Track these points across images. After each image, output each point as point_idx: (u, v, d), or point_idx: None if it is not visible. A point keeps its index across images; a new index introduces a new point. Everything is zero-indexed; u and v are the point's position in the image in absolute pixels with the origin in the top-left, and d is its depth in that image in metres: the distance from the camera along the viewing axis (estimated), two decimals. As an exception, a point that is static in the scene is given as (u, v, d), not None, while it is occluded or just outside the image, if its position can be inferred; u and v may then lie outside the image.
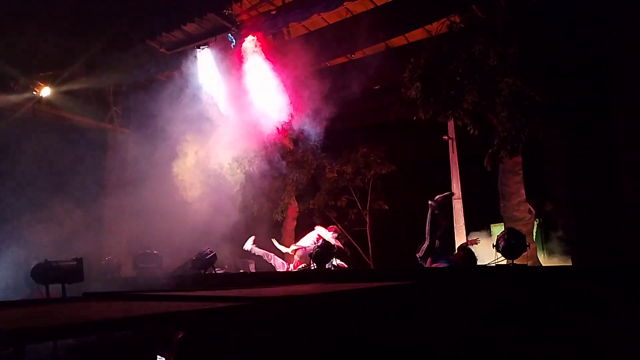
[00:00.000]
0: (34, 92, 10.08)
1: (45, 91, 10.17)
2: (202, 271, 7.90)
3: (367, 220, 11.51)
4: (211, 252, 7.99)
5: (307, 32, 10.30)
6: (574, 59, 6.23)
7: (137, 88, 11.79)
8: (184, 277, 7.81)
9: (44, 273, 6.67)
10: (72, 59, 9.88)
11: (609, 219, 5.92)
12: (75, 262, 6.77)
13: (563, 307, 4.73)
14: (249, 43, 9.85)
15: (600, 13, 5.94)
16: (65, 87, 10.35)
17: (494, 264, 6.12)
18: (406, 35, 9.98)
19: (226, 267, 9.72)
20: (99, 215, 10.47)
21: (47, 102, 10.39)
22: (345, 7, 9.41)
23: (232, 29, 9.17)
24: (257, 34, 9.75)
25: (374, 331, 3.99)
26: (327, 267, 7.15)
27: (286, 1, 9.53)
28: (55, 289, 6.72)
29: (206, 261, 7.88)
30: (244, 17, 9.59)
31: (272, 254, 9.80)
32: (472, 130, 7.82)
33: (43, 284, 6.72)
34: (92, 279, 7.39)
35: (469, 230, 9.89)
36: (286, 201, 11.70)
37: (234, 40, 9.86)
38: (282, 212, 11.76)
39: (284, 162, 11.46)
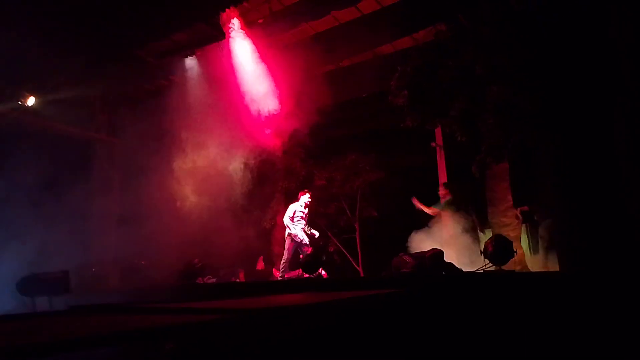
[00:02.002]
0: (20, 102, 9.96)
1: (31, 101, 10.05)
2: (191, 281, 7.85)
3: (357, 227, 11.52)
4: (199, 262, 7.95)
5: (295, 40, 10.32)
6: (562, 63, 6.28)
7: (125, 97, 11.73)
8: (172, 288, 7.74)
9: (30, 285, 6.60)
10: (59, 69, 9.79)
11: (600, 223, 5.95)
12: (61, 274, 6.71)
13: (552, 312, 4.77)
14: (238, 51, 9.86)
15: (590, 16, 6.00)
16: (51, 97, 10.24)
17: (481, 270, 6.16)
18: (393, 43, 10.05)
19: (214, 278, 9.65)
20: (86, 226, 10.35)
21: (34, 111, 10.27)
22: (333, 16, 9.45)
23: (220, 37, 9.16)
24: (246, 43, 9.77)
25: (365, 339, 3.98)
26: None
27: (273, 10, 9.56)
28: (42, 301, 6.65)
29: (195, 272, 7.84)
30: (233, 25, 9.58)
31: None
32: (459, 138, 7.88)
33: (29, 296, 6.65)
34: (79, 290, 7.31)
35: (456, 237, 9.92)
36: (275, 209, 11.66)
37: (222, 49, 9.88)
38: (270, 219, 11.72)
39: (273, 170, 11.45)
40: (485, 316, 4.84)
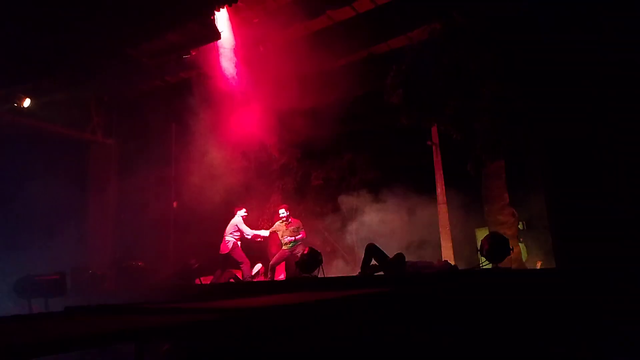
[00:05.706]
0: (15, 105, 9.92)
1: (27, 102, 10.01)
2: (188, 282, 7.84)
3: (354, 226, 11.51)
4: (196, 262, 7.95)
5: (290, 40, 10.31)
6: (555, 61, 6.28)
7: (120, 98, 11.71)
8: (169, 289, 7.74)
9: (26, 287, 6.60)
10: (53, 70, 9.74)
11: (593, 220, 5.96)
12: (58, 276, 6.71)
13: (548, 308, 4.78)
14: (232, 51, 9.86)
15: (585, 15, 6.00)
16: (46, 99, 10.21)
17: (478, 268, 6.17)
18: (388, 42, 10.05)
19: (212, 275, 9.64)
20: (82, 228, 10.33)
21: (29, 113, 10.23)
22: (328, 15, 9.45)
23: (214, 38, 9.14)
24: (239, 42, 9.76)
25: (360, 337, 3.99)
26: None
27: (268, 10, 9.54)
28: (38, 303, 6.64)
29: (192, 272, 7.84)
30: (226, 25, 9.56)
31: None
32: (454, 136, 7.90)
33: (25, 298, 6.64)
34: (75, 292, 7.30)
35: (453, 235, 9.95)
36: (272, 209, 11.66)
37: (217, 49, 9.87)
38: (268, 220, 11.70)
39: (269, 170, 11.44)
40: (481, 313, 4.85)
